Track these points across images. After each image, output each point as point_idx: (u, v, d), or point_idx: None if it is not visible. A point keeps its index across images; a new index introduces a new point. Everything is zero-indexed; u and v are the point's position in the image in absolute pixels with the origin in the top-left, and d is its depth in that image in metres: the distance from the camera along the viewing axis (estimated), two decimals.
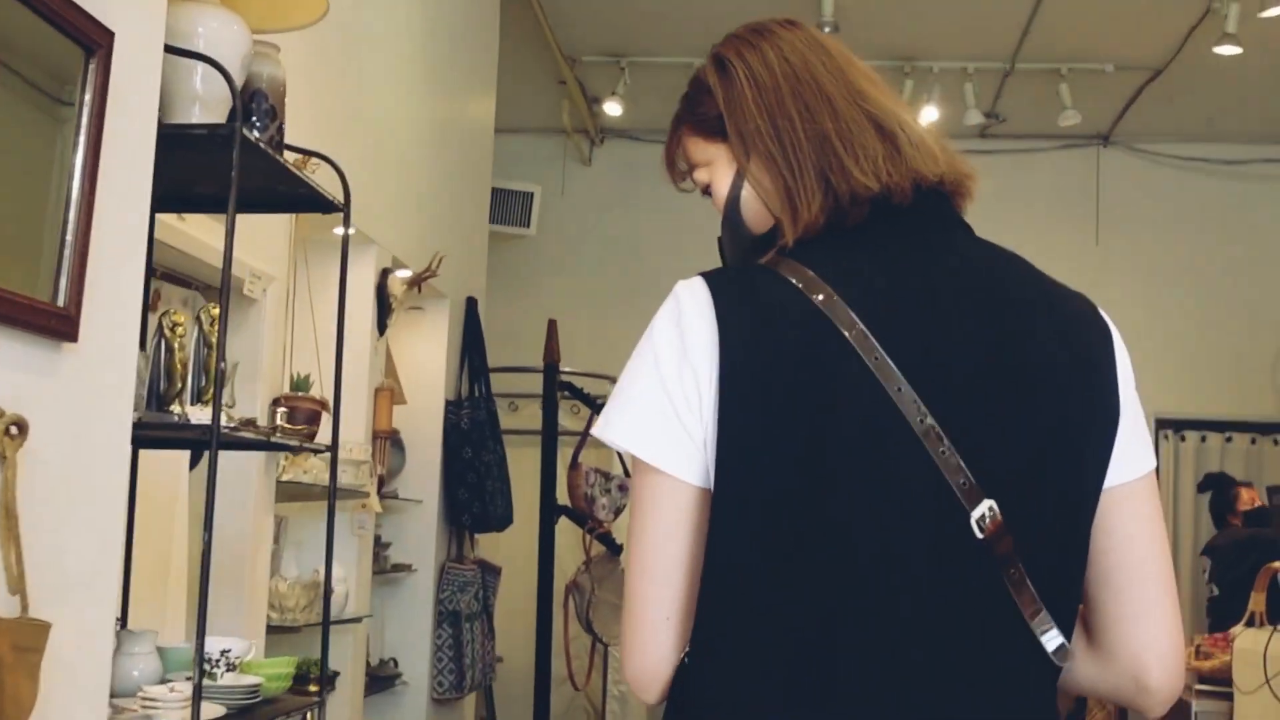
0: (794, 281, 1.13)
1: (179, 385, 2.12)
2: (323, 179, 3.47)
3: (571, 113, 7.77)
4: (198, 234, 3.13)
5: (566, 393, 6.04)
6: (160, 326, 2.17)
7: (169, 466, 3.23)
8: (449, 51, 5.26)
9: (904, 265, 1.17)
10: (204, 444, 1.94)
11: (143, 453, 3.16)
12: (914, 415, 1.09)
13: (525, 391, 6.91)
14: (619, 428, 1.14)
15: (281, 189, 2.44)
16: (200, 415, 2.03)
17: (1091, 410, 1.17)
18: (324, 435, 3.99)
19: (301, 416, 3.46)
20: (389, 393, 4.32)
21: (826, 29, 6.37)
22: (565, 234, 8.22)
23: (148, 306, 2.13)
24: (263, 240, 3.40)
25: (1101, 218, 8.04)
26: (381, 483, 4.55)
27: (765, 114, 1.24)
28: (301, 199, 2.57)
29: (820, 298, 1.11)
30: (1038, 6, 6.42)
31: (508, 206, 7.66)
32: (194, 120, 2.12)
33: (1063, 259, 7.65)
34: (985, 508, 1.09)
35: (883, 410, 1.09)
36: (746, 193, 1.27)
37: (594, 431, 1.19)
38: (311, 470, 3.79)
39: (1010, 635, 1.12)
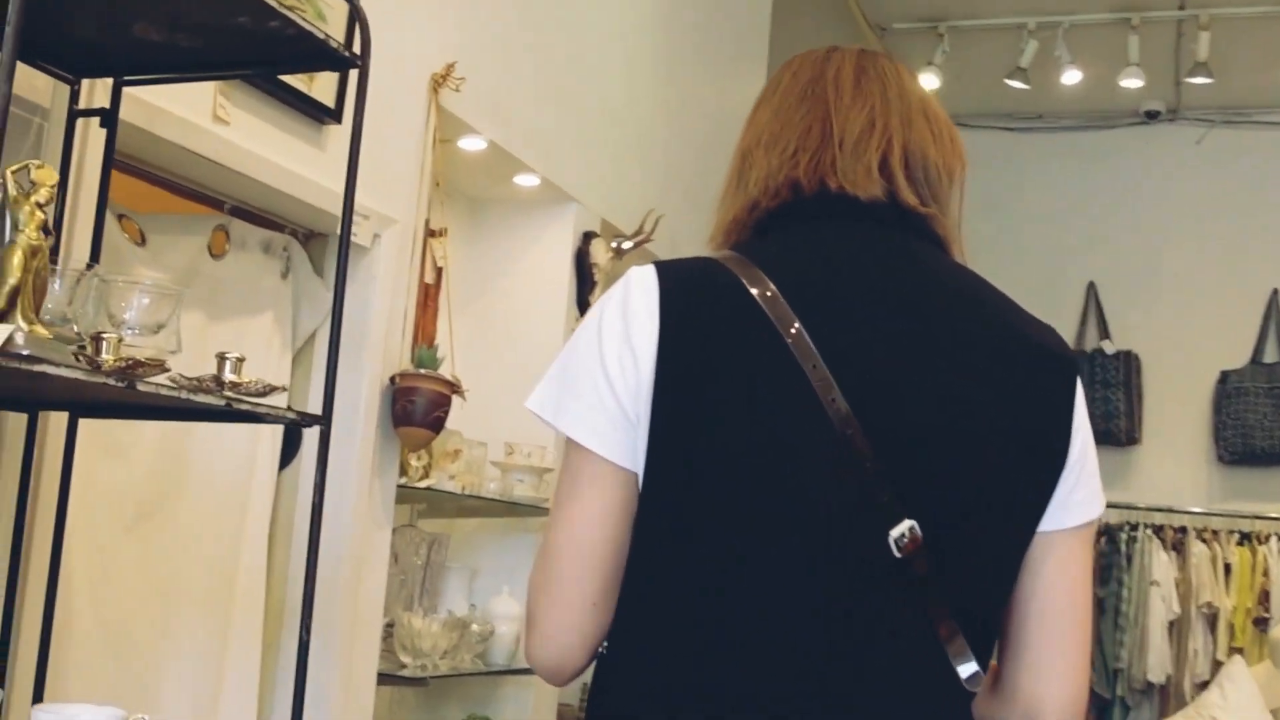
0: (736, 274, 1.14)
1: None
2: (468, 100, 2.55)
3: None
4: (285, 161, 2.40)
5: None
6: (3, 192, 1.37)
7: (240, 462, 2.50)
8: (701, 11, 4.42)
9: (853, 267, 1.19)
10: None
11: (206, 446, 2.45)
12: (843, 426, 1.08)
13: None
14: (552, 405, 1.15)
15: (246, 26, 1.63)
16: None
17: (1036, 449, 1.17)
18: (471, 428, 3.21)
19: (423, 400, 2.67)
20: None
21: None
22: None
23: None
24: (378, 171, 2.63)
25: None
26: None
27: None
28: (292, 52, 1.77)
29: (762, 292, 1.12)
30: None
31: None
32: None
33: None
34: (905, 527, 1.09)
35: (811, 416, 1.08)
36: None
37: (529, 405, 1.17)
38: (459, 476, 2.98)
39: (923, 656, 1.11)
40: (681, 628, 1.09)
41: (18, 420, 1.85)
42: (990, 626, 1.17)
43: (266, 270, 2.57)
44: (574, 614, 1.12)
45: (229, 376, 1.64)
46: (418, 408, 2.65)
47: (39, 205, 1.35)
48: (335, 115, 2.48)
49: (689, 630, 1.08)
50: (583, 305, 3.49)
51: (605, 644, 1.14)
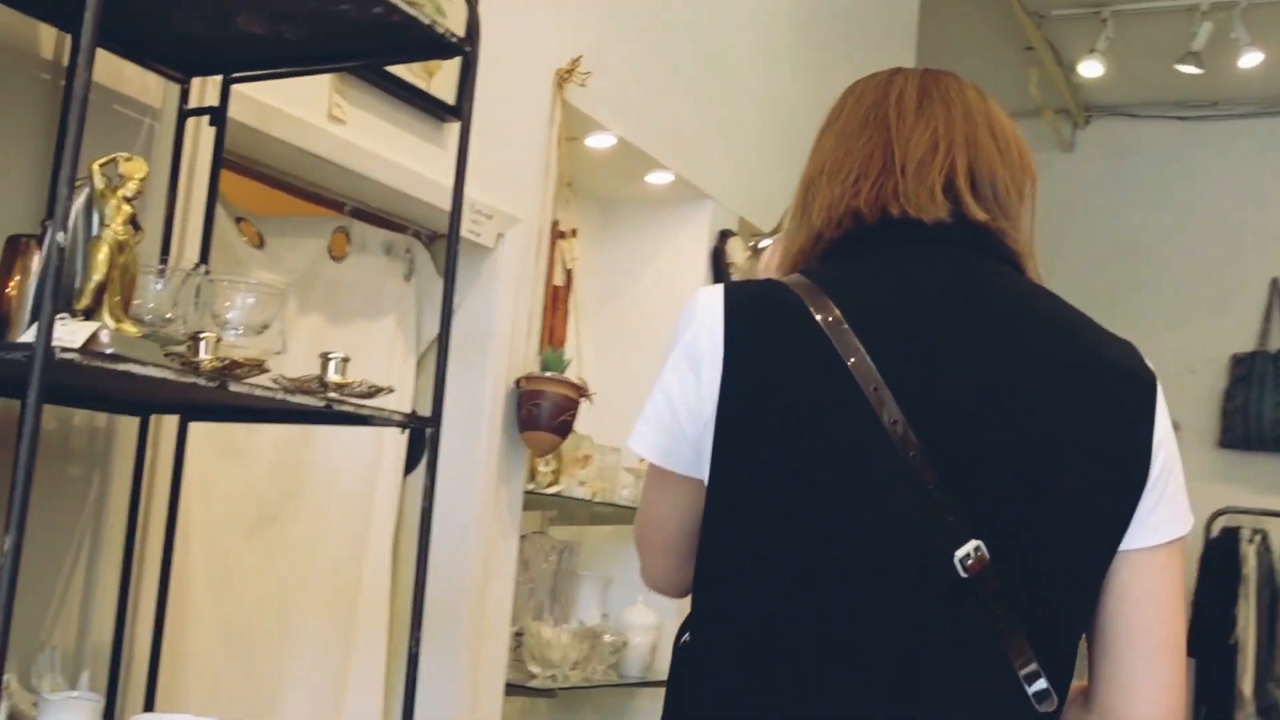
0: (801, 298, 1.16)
1: (91, 284, 1.29)
2: (595, 95, 2.38)
3: (1042, 84, 6.42)
4: (406, 161, 2.36)
5: None
6: (90, 185, 1.33)
7: (364, 465, 2.47)
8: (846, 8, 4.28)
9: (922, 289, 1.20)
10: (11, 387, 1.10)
11: (329, 448, 2.42)
12: (905, 448, 1.09)
13: None
14: (636, 426, 1.21)
15: (350, 14, 1.58)
16: (72, 335, 1.21)
17: (1114, 468, 1.16)
18: (603, 433, 3.12)
19: (548, 404, 2.60)
20: None
21: None
22: (1038, 231, 6.87)
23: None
24: (502, 170, 2.57)
25: None
26: None
27: None
28: (399, 41, 1.71)
29: (826, 318, 1.13)
30: None
31: None
32: None
33: None
34: (970, 547, 1.09)
35: (873, 439, 1.10)
36: None
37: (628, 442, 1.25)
38: (589, 482, 2.91)
39: (991, 674, 1.12)
40: (746, 635, 1.12)
41: (129, 424, 1.84)
42: (1067, 646, 1.16)
43: (389, 272, 2.53)
44: (663, 572, 1.26)
45: (332, 377, 1.59)
46: (543, 412, 2.58)
47: (127, 199, 1.31)
48: (456, 112, 2.42)
49: (754, 637, 1.11)
50: None
51: (688, 634, 1.19)
